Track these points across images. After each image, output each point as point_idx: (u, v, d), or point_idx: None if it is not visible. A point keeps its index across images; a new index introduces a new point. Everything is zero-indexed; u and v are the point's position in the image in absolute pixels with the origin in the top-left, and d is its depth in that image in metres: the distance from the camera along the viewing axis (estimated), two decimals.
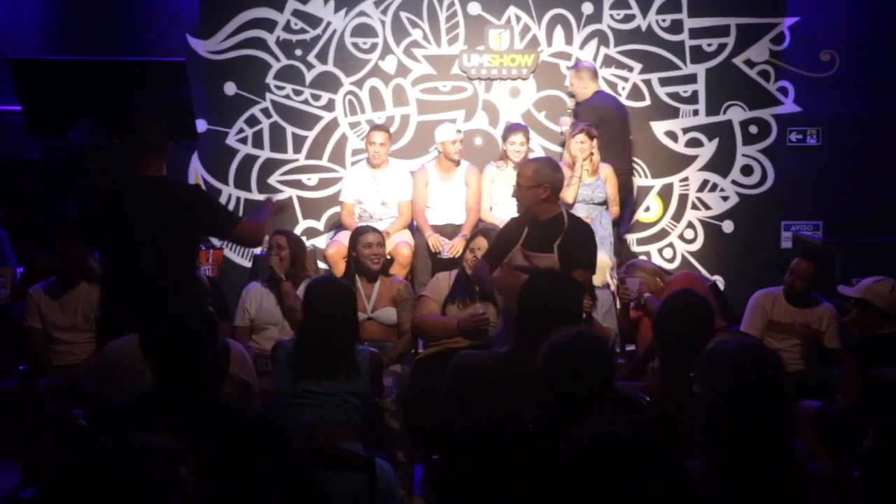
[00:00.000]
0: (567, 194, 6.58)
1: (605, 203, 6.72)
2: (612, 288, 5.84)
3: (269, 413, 2.90)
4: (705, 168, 7.62)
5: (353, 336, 3.90)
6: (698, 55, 7.57)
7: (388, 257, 6.20)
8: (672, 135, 7.62)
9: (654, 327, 3.51)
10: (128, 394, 2.95)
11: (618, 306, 5.60)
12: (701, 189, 7.63)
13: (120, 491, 1.61)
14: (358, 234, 5.34)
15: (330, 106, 7.66)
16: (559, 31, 7.59)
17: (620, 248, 7.05)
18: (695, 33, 7.57)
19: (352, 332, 3.89)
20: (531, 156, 6.95)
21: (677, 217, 7.66)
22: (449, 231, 6.66)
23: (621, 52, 7.58)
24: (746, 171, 7.59)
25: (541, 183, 4.50)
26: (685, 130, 7.61)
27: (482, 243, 5.06)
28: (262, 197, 7.64)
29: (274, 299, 5.33)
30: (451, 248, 6.44)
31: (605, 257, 6.00)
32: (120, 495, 1.61)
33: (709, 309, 3.45)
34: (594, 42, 7.58)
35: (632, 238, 7.61)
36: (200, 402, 2.65)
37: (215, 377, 2.77)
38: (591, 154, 6.69)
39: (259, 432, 2.57)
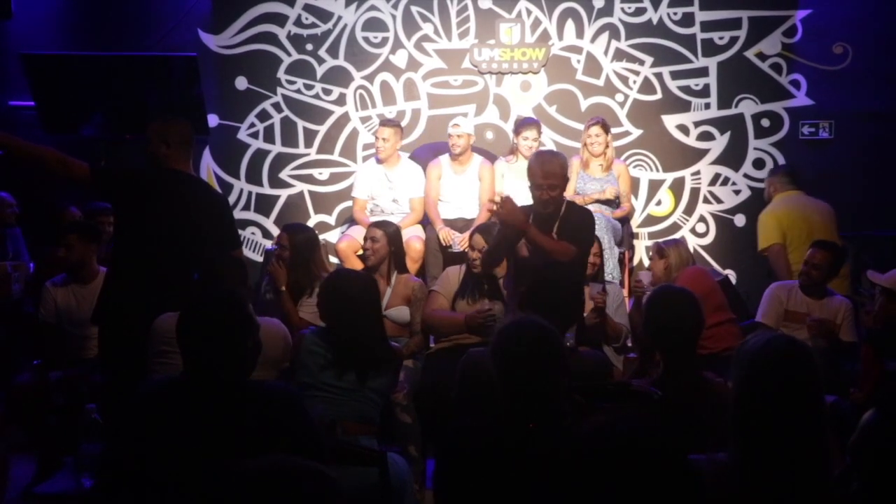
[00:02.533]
0: (567, 188, 6.65)
1: (617, 198, 6.72)
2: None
3: (286, 387, 2.90)
4: (717, 162, 7.60)
5: (379, 330, 3.87)
6: (710, 48, 7.55)
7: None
8: (683, 128, 7.60)
9: (643, 328, 3.52)
10: (157, 378, 2.96)
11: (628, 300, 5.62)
12: (713, 183, 7.61)
13: None
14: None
15: (341, 100, 7.67)
16: (570, 25, 7.58)
17: (631, 242, 7.06)
18: (706, 26, 7.55)
19: (378, 327, 3.86)
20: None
21: (689, 211, 7.65)
22: (460, 225, 6.66)
23: (632, 46, 7.56)
24: (758, 164, 7.56)
25: (567, 176, 4.67)
26: (697, 124, 7.59)
27: (480, 241, 5.06)
28: (273, 192, 7.68)
29: None
30: (461, 240, 6.44)
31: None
32: None
33: (691, 301, 3.43)
34: (605, 35, 7.57)
35: (644, 232, 7.60)
36: (226, 389, 2.63)
37: (243, 371, 2.73)
38: (606, 148, 6.69)
39: (277, 404, 2.61)
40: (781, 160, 7.51)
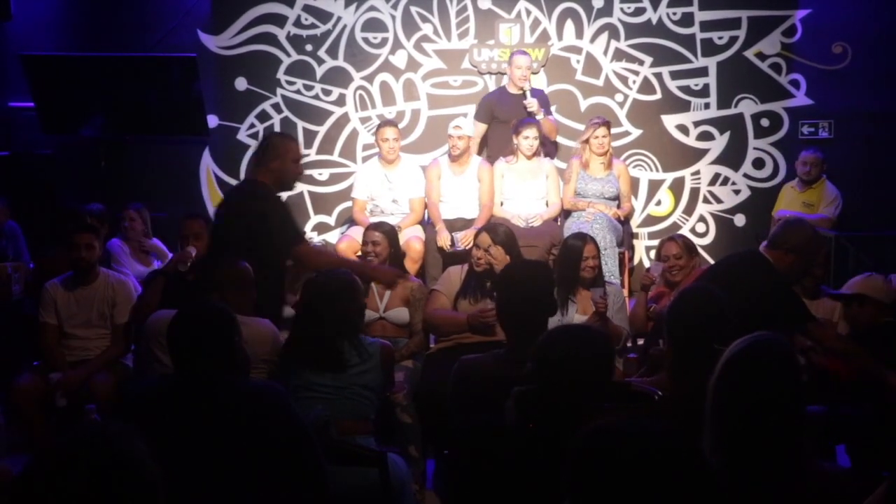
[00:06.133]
0: (568, 189, 6.66)
1: (616, 198, 6.72)
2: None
3: (272, 384, 3.03)
4: (717, 161, 7.60)
5: (347, 328, 3.79)
6: (709, 48, 7.55)
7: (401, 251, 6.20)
8: (683, 128, 7.60)
9: (666, 322, 3.49)
10: (152, 377, 3.05)
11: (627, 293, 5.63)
12: (712, 182, 7.61)
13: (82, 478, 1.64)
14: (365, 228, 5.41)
15: (341, 101, 7.67)
16: (570, 25, 7.58)
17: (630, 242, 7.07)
18: (706, 26, 7.55)
19: (346, 323, 3.79)
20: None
21: (689, 211, 7.64)
22: (460, 225, 6.65)
23: (632, 46, 7.56)
24: (758, 164, 7.56)
25: None
26: (696, 124, 7.59)
27: (486, 240, 5.06)
28: None
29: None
30: (463, 238, 6.41)
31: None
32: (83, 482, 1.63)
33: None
34: (604, 35, 7.56)
35: (643, 232, 7.60)
36: (214, 387, 2.73)
37: (231, 372, 2.83)
38: (608, 150, 6.70)
39: (263, 401, 2.71)
40: (781, 160, 7.51)
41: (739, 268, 4.35)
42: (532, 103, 6.76)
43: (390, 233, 5.37)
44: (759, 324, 3.91)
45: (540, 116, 6.78)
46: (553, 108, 7.21)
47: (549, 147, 7.00)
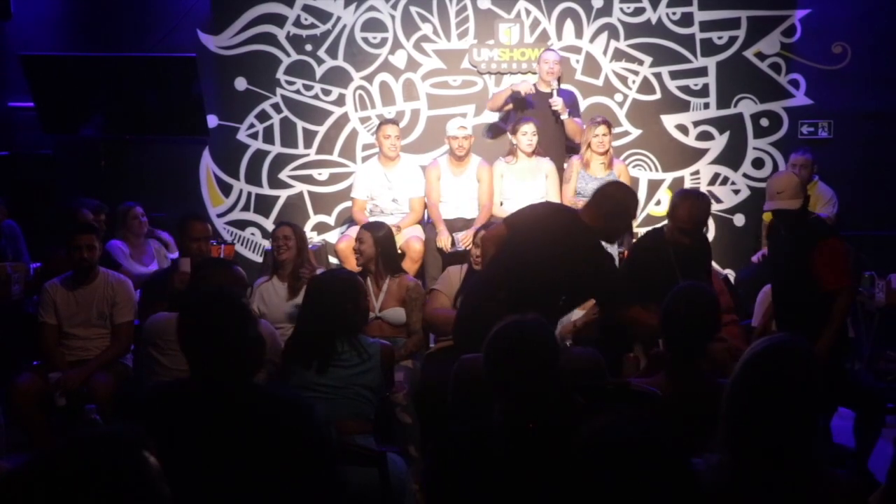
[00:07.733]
0: (568, 188, 6.65)
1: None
2: None
3: (300, 396, 2.83)
4: (716, 161, 7.60)
5: (347, 327, 3.80)
6: (709, 48, 7.55)
7: (400, 251, 6.21)
8: (683, 128, 7.60)
9: (661, 320, 3.51)
10: (162, 381, 2.90)
11: None
12: (712, 182, 7.62)
13: (85, 480, 1.60)
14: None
15: (340, 101, 7.67)
16: (569, 25, 7.58)
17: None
18: (705, 26, 7.55)
19: (346, 323, 3.79)
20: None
21: None
22: (460, 225, 6.66)
23: (631, 46, 7.57)
24: (758, 164, 7.57)
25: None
26: (696, 124, 7.59)
27: None
28: (272, 192, 7.68)
29: (283, 296, 5.32)
30: (464, 238, 6.42)
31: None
32: (85, 485, 1.60)
33: (715, 301, 3.43)
34: (604, 35, 7.57)
35: (643, 232, 7.58)
36: (234, 389, 2.57)
37: (248, 367, 2.66)
38: (609, 149, 6.70)
39: (291, 414, 2.56)
40: (781, 160, 7.51)
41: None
42: (557, 102, 6.77)
43: (382, 236, 5.31)
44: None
45: (565, 116, 6.81)
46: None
47: (575, 147, 6.99)
